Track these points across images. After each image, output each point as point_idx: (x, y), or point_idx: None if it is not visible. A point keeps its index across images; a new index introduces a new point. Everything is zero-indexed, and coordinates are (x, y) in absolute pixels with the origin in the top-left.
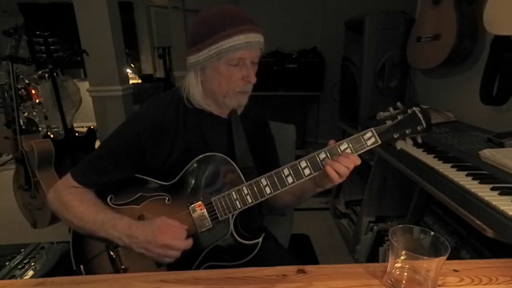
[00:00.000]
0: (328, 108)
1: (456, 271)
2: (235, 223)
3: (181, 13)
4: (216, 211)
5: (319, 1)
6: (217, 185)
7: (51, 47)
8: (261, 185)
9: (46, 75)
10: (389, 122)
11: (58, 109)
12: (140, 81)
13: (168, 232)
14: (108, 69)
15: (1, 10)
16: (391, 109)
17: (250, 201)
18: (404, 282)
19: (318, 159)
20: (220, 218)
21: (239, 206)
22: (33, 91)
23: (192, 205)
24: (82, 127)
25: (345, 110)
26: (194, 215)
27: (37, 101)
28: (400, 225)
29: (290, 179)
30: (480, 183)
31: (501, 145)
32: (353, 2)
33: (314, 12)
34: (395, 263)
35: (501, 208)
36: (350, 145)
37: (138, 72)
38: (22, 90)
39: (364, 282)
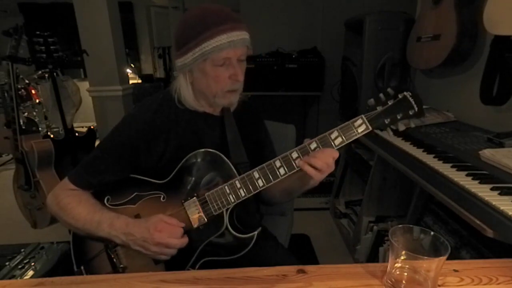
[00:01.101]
0: (328, 108)
1: (456, 271)
2: (231, 218)
3: (181, 13)
4: (210, 206)
5: (319, 1)
6: (211, 180)
7: (51, 47)
8: (254, 178)
9: (46, 75)
10: (379, 108)
11: (58, 109)
12: (140, 81)
13: (164, 230)
14: (108, 69)
15: (1, 10)
16: (381, 95)
17: (243, 194)
18: (404, 282)
19: (309, 149)
20: (214, 213)
21: (232, 200)
22: (33, 91)
23: (187, 201)
24: (82, 127)
25: (345, 110)
26: (189, 211)
27: (37, 101)
28: (400, 225)
29: (282, 171)
30: (480, 183)
31: (501, 145)
32: (353, 2)
33: (314, 12)
34: (395, 263)
35: (501, 208)
36: (341, 133)
37: (138, 72)
38: (22, 90)
39: (364, 282)
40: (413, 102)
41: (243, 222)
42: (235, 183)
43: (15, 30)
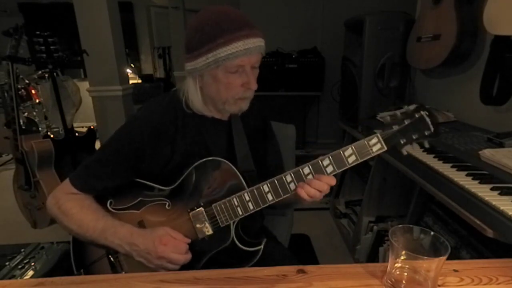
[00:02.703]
0: (328, 108)
1: (456, 271)
2: (237, 230)
3: (181, 13)
4: (217, 217)
5: (319, 1)
6: (218, 190)
7: (51, 47)
8: (263, 191)
9: (46, 75)
10: (395, 127)
11: (58, 109)
12: (140, 81)
13: (168, 244)
14: (108, 69)
15: (1, 10)
16: (398, 112)
17: (251, 207)
18: (404, 282)
19: (321, 165)
20: (221, 225)
21: (240, 213)
22: (33, 91)
23: (193, 211)
24: (82, 127)
25: (345, 110)
26: (195, 221)
27: (37, 101)
28: (400, 225)
29: (292, 186)
30: (480, 183)
31: (501, 145)
32: (353, 2)
33: (314, 12)
34: (395, 263)
35: (501, 208)
36: (355, 151)
37: (138, 72)
38: (22, 90)
39: (364, 282)
40: (429, 123)
41: (246, 227)
42: (244, 196)
43: (15, 30)
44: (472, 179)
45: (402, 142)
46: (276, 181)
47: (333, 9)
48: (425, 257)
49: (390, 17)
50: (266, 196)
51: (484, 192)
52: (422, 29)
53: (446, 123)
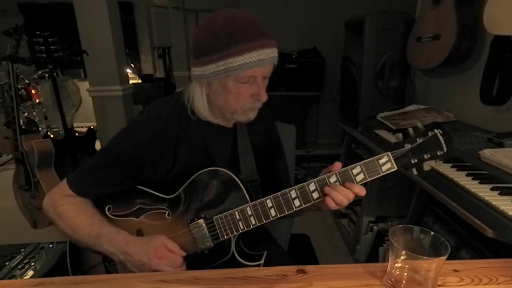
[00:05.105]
0: (328, 108)
1: (456, 271)
2: (238, 243)
3: (181, 13)
4: (218, 230)
5: (319, 1)
6: (219, 202)
7: (51, 47)
8: (266, 206)
9: (46, 75)
10: (407, 146)
11: (58, 109)
12: (140, 81)
13: (164, 258)
14: (108, 69)
15: (1, 10)
16: (410, 130)
17: (253, 222)
18: (404, 282)
19: (327, 182)
20: (221, 238)
21: (241, 227)
22: (33, 91)
23: (193, 223)
24: (82, 127)
25: (345, 110)
26: (194, 233)
27: (37, 101)
28: (400, 225)
29: (297, 202)
30: (480, 183)
31: (501, 145)
32: (353, 2)
33: (314, 12)
34: (395, 263)
35: (501, 208)
36: (364, 169)
37: (138, 72)
38: (22, 90)
39: (364, 282)
40: (443, 142)
41: (247, 237)
42: (246, 210)
43: (15, 30)
44: (472, 179)
45: (413, 161)
46: (280, 196)
47: (333, 9)
48: (425, 257)
49: (390, 17)
50: (269, 212)
51: (484, 192)
52: (422, 29)
53: (446, 123)
